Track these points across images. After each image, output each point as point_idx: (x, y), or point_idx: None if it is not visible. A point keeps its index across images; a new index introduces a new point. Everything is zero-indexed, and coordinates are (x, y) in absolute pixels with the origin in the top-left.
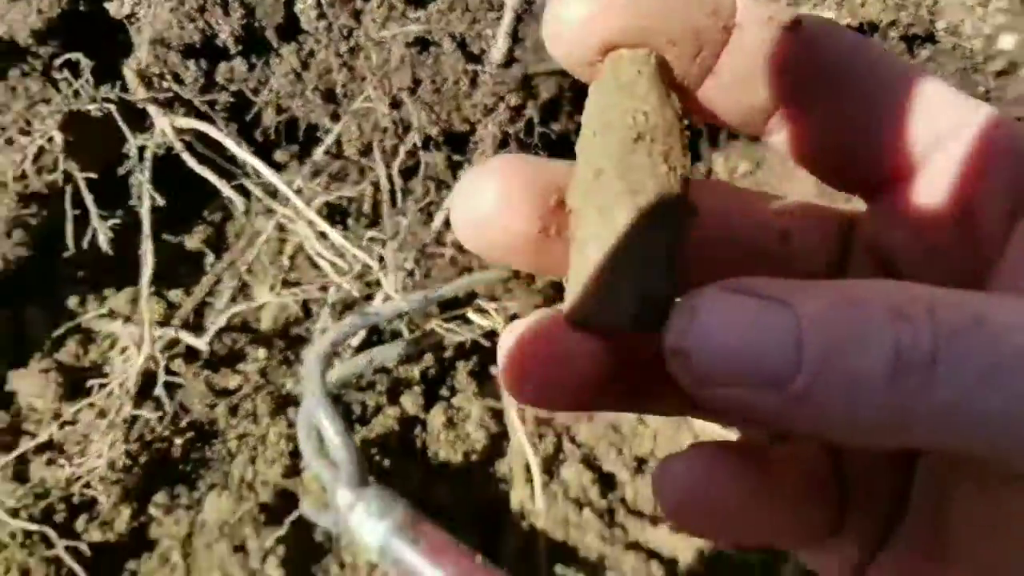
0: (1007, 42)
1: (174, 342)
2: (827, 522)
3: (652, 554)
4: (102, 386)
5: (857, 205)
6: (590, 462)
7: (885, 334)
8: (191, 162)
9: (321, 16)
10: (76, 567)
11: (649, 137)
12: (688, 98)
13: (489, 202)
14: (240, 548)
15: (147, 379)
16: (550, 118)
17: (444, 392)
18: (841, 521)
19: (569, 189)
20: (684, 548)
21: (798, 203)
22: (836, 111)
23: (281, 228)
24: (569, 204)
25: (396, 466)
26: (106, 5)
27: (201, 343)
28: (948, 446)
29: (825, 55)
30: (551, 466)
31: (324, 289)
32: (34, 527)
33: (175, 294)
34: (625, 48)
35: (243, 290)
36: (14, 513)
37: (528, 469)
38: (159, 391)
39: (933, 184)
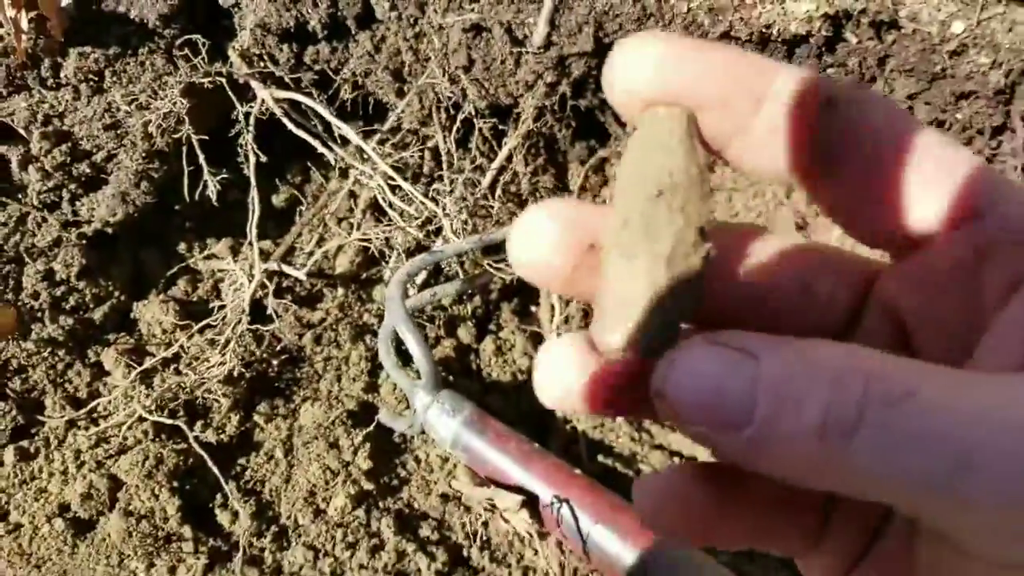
0: (958, 27)
1: (269, 279)
2: (805, 535)
3: (673, 453)
4: (220, 308)
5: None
6: None
7: (821, 397)
8: (290, 125)
9: (393, 7)
10: (204, 454)
11: (670, 192)
12: (718, 154)
13: (536, 245)
14: (334, 445)
15: (251, 308)
16: (578, 94)
17: (492, 327)
18: (821, 535)
19: (603, 231)
20: (701, 450)
21: (823, 250)
22: (863, 179)
23: (356, 182)
24: (602, 244)
25: (457, 382)
26: None
27: (301, 273)
28: (875, 500)
29: (856, 127)
30: None
31: (399, 229)
32: (169, 421)
33: (264, 244)
34: (662, 105)
35: (322, 240)
36: (150, 412)
37: None
38: (270, 311)
39: (948, 254)
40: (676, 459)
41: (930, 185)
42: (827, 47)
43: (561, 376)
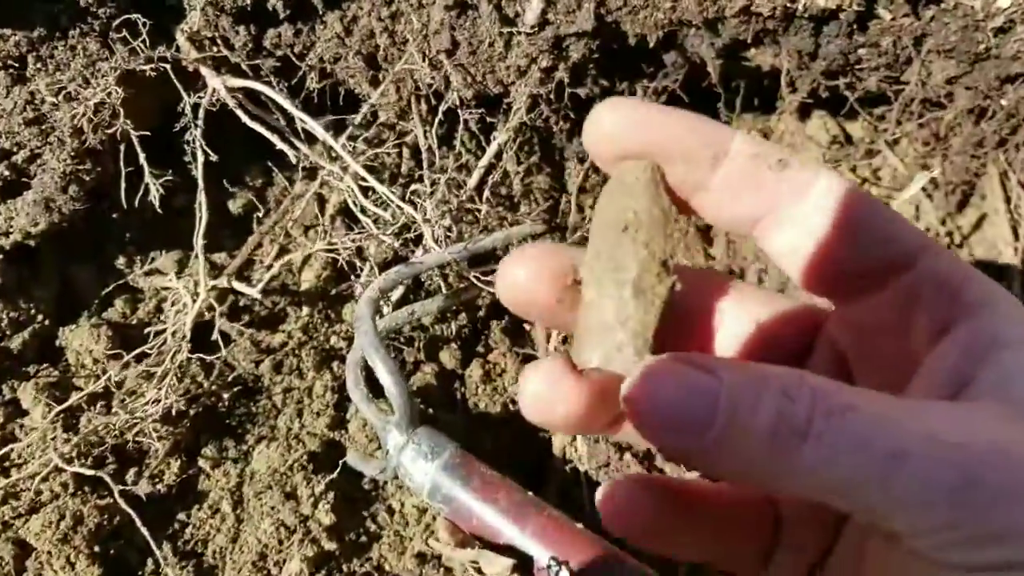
0: (1004, 1)
1: (222, 298)
2: (755, 554)
3: None
4: (158, 334)
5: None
6: None
7: (773, 402)
8: (244, 118)
9: None
10: (132, 512)
11: (634, 228)
12: (682, 203)
13: (522, 284)
14: (291, 496)
15: (196, 333)
16: (577, 82)
17: (479, 350)
18: (770, 556)
19: (581, 264)
20: None
21: (777, 297)
22: (810, 236)
23: (323, 185)
24: (579, 276)
25: (439, 416)
26: None
27: (255, 291)
28: (817, 499)
29: (804, 187)
30: None
31: (372, 238)
32: (90, 472)
33: (219, 257)
34: (632, 159)
35: (285, 251)
36: (68, 461)
37: None
38: (216, 336)
39: (884, 302)
40: None
41: (868, 241)
42: (858, 24)
43: (544, 394)
